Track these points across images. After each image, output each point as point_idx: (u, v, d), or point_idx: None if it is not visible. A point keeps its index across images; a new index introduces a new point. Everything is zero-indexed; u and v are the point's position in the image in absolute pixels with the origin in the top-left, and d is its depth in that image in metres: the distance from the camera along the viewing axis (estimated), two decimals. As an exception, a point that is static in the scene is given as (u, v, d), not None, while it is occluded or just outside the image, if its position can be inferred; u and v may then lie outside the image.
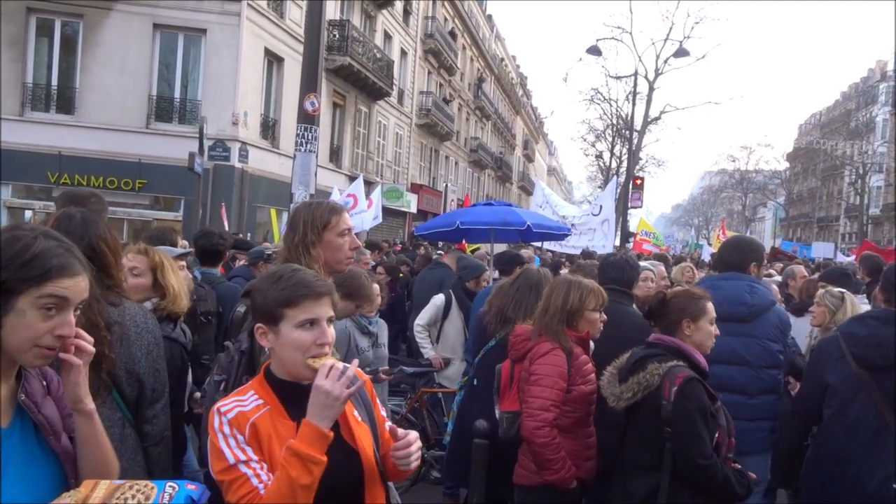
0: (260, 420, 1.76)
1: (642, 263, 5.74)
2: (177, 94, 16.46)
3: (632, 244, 21.84)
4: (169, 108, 16.37)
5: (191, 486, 1.40)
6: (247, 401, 1.81)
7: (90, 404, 1.50)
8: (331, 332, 1.86)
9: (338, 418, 1.78)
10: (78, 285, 1.40)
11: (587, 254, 11.15)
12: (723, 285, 3.67)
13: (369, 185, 23.98)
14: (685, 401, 2.66)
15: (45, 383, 1.53)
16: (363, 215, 12.52)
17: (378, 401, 2.08)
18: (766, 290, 3.73)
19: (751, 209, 72.51)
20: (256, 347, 2.61)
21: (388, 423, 2.01)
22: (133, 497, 1.31)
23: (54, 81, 15.87)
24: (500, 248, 11.07)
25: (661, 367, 2.75)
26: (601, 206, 12.99)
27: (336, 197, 9.98)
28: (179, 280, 3.14)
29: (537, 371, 3.18)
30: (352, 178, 22.98)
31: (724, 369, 3.42)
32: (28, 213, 15.51)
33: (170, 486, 1.36)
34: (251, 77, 16.83)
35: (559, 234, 11.39)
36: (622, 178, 28.22)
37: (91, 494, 1.31)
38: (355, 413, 1.92)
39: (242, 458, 1.70)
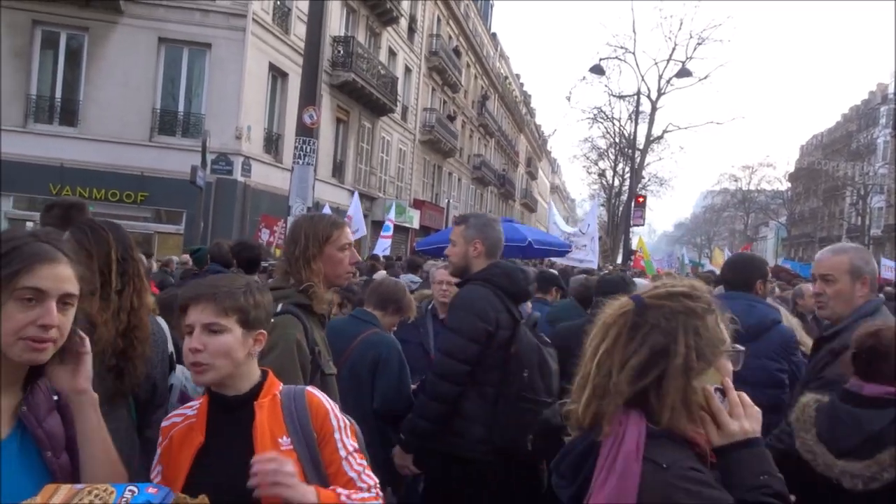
0: (178, 433, 1.82)
1: (638, 281, 5.77)
2: (181, 108, 16.51)
3: (632, 262, 21.80)
4: (172, 121, 16.41)
5: (152, 490, 1.35)
6: (188, 410, 1.87)
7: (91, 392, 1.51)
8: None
9: (255, 442, 1.75)
10: (55, 273, 1.37)
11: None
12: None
13: (371, 200, 24.02)
14: None
15: (56, 398, 1.51)
16: (381, 241, 12.91)
17: (339, 437, 1.86)
18: (766, 309, 3.67)
19: (753, 228, 72.54)
20: None
21: (352, 469, 1.83)
22: (91, 501, 1.27)
23: (58, 94, 15.91)
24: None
25: None
26: (588, 225, 13.37)
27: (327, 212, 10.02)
28: None
29: None
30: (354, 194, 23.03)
31: None
32: (29, 225, 15.51)
33: (129, 491, 1.31)
34: (255, 92, 16.88)
35: (560, 250, 11.49)
36: (624, 197, 28.20)
37: (50, 499, 1.27)
38: (283, 440, 1.79)
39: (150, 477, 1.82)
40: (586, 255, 12.29)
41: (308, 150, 7.42)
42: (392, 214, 15.50)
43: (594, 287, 4.24)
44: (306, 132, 7.46)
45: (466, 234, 3.35)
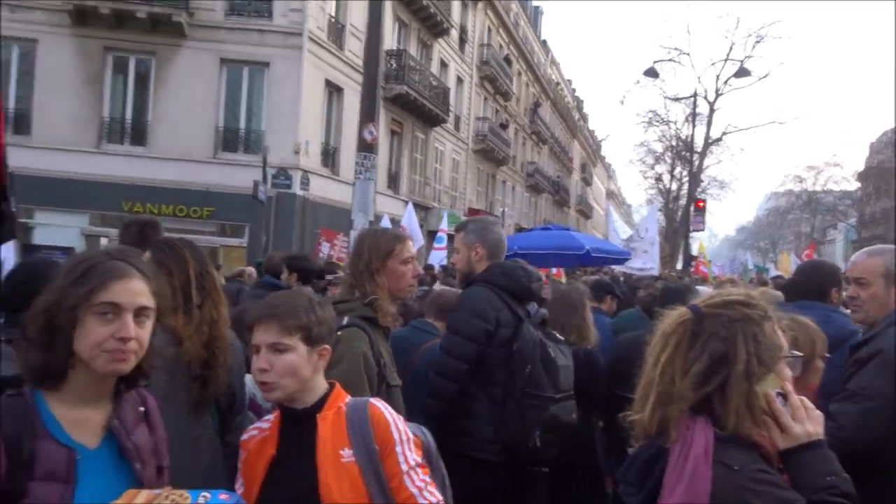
0: (254, 446, 1.89)
1: (700, 289, 5.67)
2: (242, 125, 17.06)
3: (693, 268, 21.32)
4: (234, 138, 16.97)
5: (224, 496, 1.42)
6: (264, 423, 1.94)
7: None
8: None
9: (317, 455, 1.79)
10: (129, 288, 1.47)
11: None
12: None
13: (426, 210, 24.22)
14: None
15: (142, 409, 1.60)
16: (435, 253, 12.95)
17: (400, 450, 1.87)
18: (843, 319, 3.56)
19: (820, 231, 69.79)
20: None
21: (413, 485, 1.84)
22: None
23: (128, 115, 16.68)
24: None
25: None
26: (647, 229, 12.93)
27: (387, 225, 10.15)
28: None
29: None
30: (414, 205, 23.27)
31: None
32: (104, 241, 16.23)
33: (202, 496, 1.39)
34: (312, 107, 17.30)
35: (619, 258, 11.31)
36: (682, 201, 27.61)
37: (131, 501, 1.36)
38: (345, 451, 1.81)
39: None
40: (646, 262, 11.95)
41: (368, 165, 7.61)
42: (445, 224, 15.55)
43: (657, 297, 4.20)
44: (366, 148, 7.66)
45: (467, 240, 3.43)
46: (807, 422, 1.53)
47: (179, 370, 2.21)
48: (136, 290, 1.47)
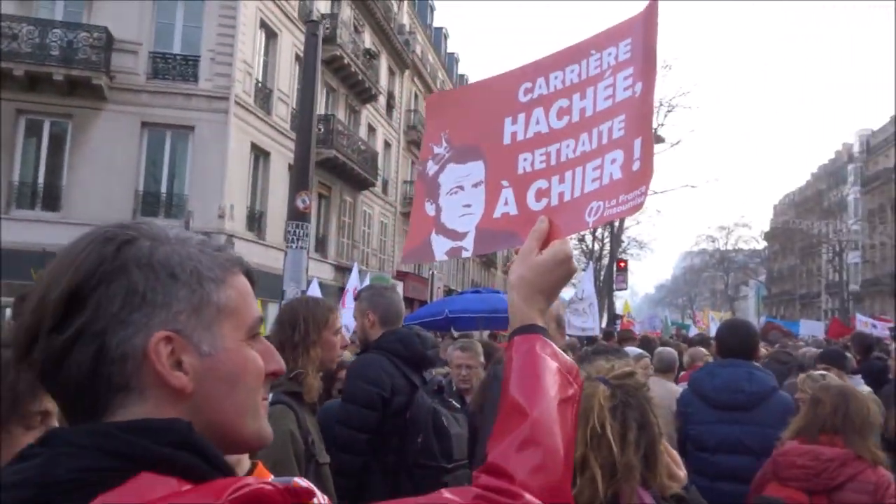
0: None
1: (628, 349, 5.79)
2: (163, 189, 16.63)
3: (619, 326, 21.83)
4: (155, 202, 16.48)
5: None
6: None
7: None
8: None
9: None
10: None
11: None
12: (721, 373, 3.64)
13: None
14: None
15: None
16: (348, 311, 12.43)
17: None
18: (765, 376, 3.70)
19: (733, 288, 73.23)
20: None
21: None
22: None
23: (41, 179, 15.99)
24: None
25: None
26: (584, 290, 13.07)
27: (316, 289, 9.72)
28: None
29: None
30: (337, 268, 23.01)
31: (728, 459, 3.38)
32: (8, 312, 15.25)
33: None
34: (238, 171, 17.08)
35: (548, 319, 11.41)
36: (605, 261, 28.48)
37: None
38: None
39: None
40: (587, 322, 11.93)
41: (301, 234, 7.52)
42: (356, 281, 15.10)
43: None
44: (299, 216, 7.58)
45: (360, 308, 3.43)
46: (682, 467, 1.74)
47: None
48: None
